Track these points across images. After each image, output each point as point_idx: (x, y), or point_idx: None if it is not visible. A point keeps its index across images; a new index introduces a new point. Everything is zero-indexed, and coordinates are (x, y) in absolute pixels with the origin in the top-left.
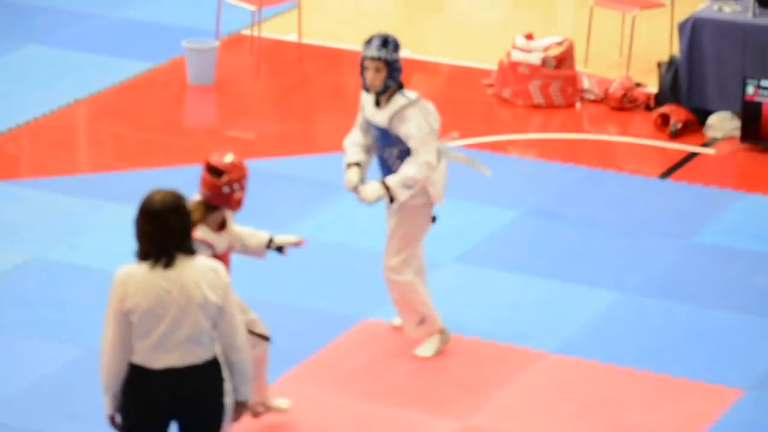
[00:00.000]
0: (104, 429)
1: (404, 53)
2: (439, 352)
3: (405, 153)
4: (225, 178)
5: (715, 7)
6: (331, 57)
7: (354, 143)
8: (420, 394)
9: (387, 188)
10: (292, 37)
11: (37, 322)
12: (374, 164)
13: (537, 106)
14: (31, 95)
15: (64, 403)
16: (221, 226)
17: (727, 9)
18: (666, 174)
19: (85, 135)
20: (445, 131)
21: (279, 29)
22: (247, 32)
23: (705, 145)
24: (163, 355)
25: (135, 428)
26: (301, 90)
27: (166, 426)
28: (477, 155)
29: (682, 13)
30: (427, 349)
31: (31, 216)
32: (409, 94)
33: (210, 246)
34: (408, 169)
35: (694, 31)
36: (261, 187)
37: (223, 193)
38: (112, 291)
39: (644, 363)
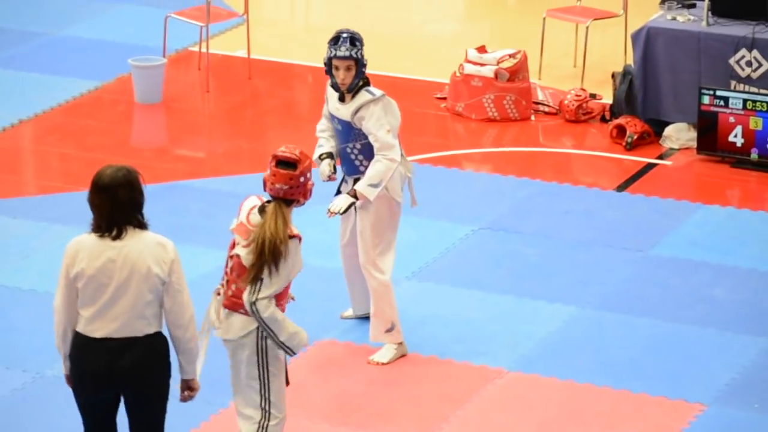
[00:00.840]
0: None
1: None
2: (393, 362)
3: (367, 147)
4: (300, 168)
5: (669, 16)
6: (281, 72)
7: (324, 129)
8: (377, 414)
9: (355, 195)
10: (240, 53)
11: None
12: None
13: (491, 120)
14: None
15: (11, 430)
16: None
17: (681, 18)
18: (622, 186)
19: (30, 156)
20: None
21: (227, 45)
22: (194, 49)
23: (661, 156)
24: (104, 324)
25: (78, 394)
26: (251, 106)
27: (108, 398)
28: (431, 170)
29: (636, 23)
30: (384, 356)
31: None
32: (375, 90)
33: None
34: (372, 169)
35: (648, 41)
36: (211, 207)
37: (300, 183)
38: (64, 258)
39: (604, 379)
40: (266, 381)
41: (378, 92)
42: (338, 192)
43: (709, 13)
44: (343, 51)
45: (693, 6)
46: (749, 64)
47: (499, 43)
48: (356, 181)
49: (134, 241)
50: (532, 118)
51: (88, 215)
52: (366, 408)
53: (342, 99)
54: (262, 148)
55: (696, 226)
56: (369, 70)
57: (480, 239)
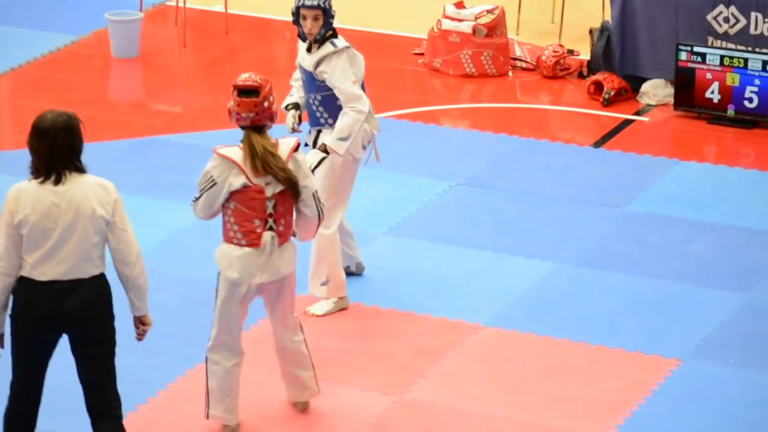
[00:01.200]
0: None
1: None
2: (330, 314)
3: (327, 99)
4: (262, 94)
5: None
6: (259, 27)
7: (297, 79)
8: (354, 368)
9: (325, 150)
10: (218, 8)
11: None
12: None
13: (469, 76)
14: None
15: None
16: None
17: None
18: (600, 143)
19: (7, 110)
20: (376, 100)
21: (204, 0)
22: (172, 3)
23: (638, 112)
24: (51, 267)
25: (22, 339)
26: (229, 62)
27: (52, 339)
28: (409, 126)
29: None
30: (319, 308)
31: None
32: (338, 42)
33: (243, 171)
34: (340, 122)
35: None
36: (189, 162)
37: (264, 108)
38: (4, 205)
39: (581, 334)
40: None
41: (341, 44)
42: (305, 144)
43: None
44: (310, 1)
45: None
46: (726, 20)
47: None
48: (318, 132)
49: (76, 185)
50: (510, 74)
51: None
52: (342, 362)
53: (309, 49)
54: None
55: (673, 182)
56: (347, 26)
57: (458, 195)
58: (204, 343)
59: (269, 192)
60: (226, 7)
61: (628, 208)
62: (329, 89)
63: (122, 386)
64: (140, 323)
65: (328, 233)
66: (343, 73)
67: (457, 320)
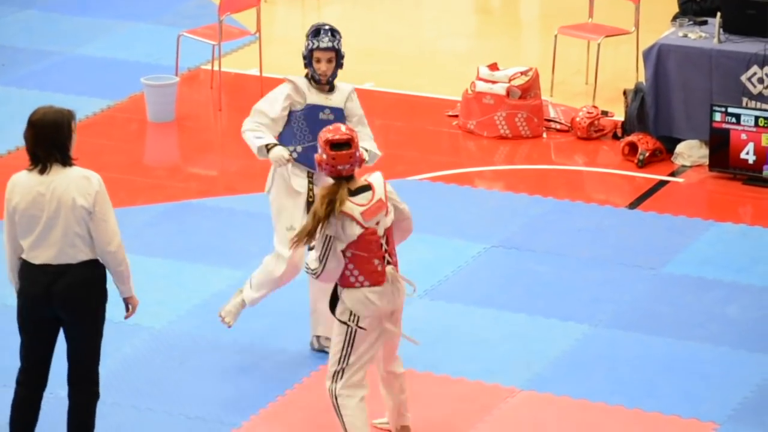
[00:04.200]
0: None
1: (367, 85)
2: (231, 314)
3: None
4: (354, 145)
5: (681, 33)
6: None
7: (265, 124)
8: None
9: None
10: (253, 71)
11: None
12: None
13: (503, 137)
14: None
15: None
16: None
17: (693, 35)
18: (635, 204)
19: None
20: (411, 163)
21: (240, 63)
22: (207, 67)
23: (673, 173)
24: (42, 251)
25: (23, 317)
26: None
27: (46, 319)
28: (443, 188)
29: (648, 40)
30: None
31: None
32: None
33: (356, 221)
34: (369, 143)
35: (659, 58)
36: (225, 226)
37: (357, 157)
38: (5, 194)
39: (617, 397)
40: None
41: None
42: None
43: (721, 30)
44: (326, 42)
45: (704, 23)
46: (761, 80)
47: (511, 61)
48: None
49: (61, 176)
50: (544, 135)
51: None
52: (378, 427)
53: (320, 90)
54: None
55: (708, 244)
56: (381, 88)
57: (492, 257)
58: (242, 408)
59: (381, 231)
60: (261, 71)
61: (663, 269)
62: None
63: None
64: (128, 304)
65: (284, 253)
66: (359, 106)
67: (493, 383)
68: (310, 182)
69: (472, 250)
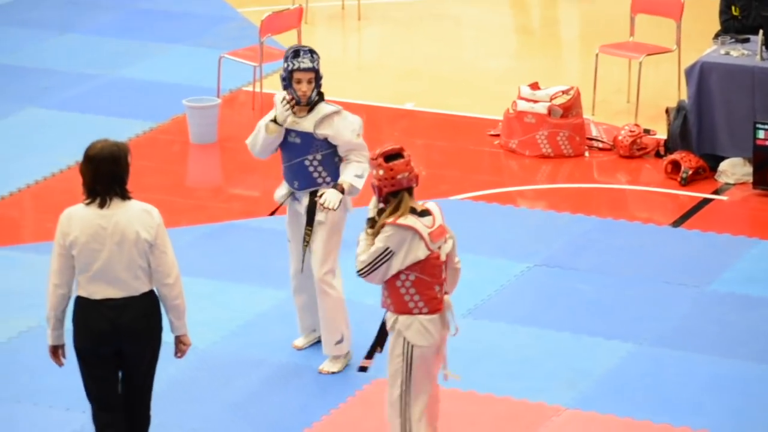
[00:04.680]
0: None
1: (408, 105)
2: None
3: (328, 158)
4: (406, 154)
5: (723, 51)
6: None
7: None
8: None
9: (342, 190)
10: None
11: (43, 389)
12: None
13: (545, 156)
14: (31, 159)
15: None
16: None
17: (735, 53)
18: (678, 222)
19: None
20: (453, 182)
21: (280, 85)
22: (248, 89)
23: (717, 191)
24: (102, 287)
25: (86, 356)
26: None
27: (110, 355)
28: (485, 208)
29: (689, 58)
30: (334, 365)
31: (35, 281)
32: (332, 105)
33: (424, 240)
34: (353, 165)
35: (701, 75)
36: (268, 247)
37: (412, 170)
38: (58, 227)
39: (662, 416)
40: None
41: (336, 106)
42: (310, 213)
43: (764, 47)
44: (306, 63)
45: (747, 40)
46: None
47: (552, 80)
48: (313, 194)
49: (122, 210)
50: (586, 154)
51: None
52: None
53: (294, 113)
54: None
55: (753, 262)
56: (422, 108)
57: (535, 276)
58: (287, 428)
59: (443, 256)
60: None
61: (708, 288)
62: (330, 147)
63: None
64: (180, 342)
65: (335, 294)
66: (348, 128)
67: (538, 402)
68: (291, 192)
69: (515, 269)
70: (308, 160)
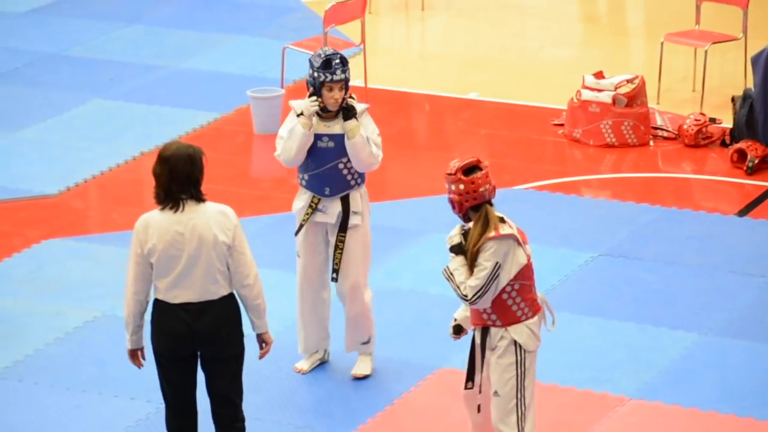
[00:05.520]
0: None
1: (472, 95)
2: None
3: None
4: (484, 166)
5: None
6: (398, 101)
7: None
8: None
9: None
10: (357, 83)
11: (108, 379)
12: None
13: (609, 146)
14: (96, 149)
15: None
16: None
17: None
18: (744, 211)
19: (151, 188)
20: (516, 172)
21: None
22: None
23: None
24: (181, 291)
25: (163, 358)
26: None
27: (190, 359)
28: (549, 197)
29: (756, 46)
30: (366, 367)
31: (100, 272)
32: (358, 102)
33: (522, 246)
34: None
35: None
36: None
37: (491, 182)
38: (134, 236)
39: (728, 406)
40: None
41: (361, 104)
42: (344, 218)
43: None
44: (339, 75)
45: None
46: None
47: (617, 69)
48: (344, 199)
49: (198, 213)
50: (651, 143)
51: None
52: None
53: (322, 118)
54: (381, 177)
55: None
56: (486, 98)
57: (599, 266)
58: (349, 418)
59: (533, 259)
60: (366, 82)
61: None
62: None
63: None
64: (262, 341)
65: (367, 298)
66: (371, 126)
67: (602, 392)
68: (310, 206)
69: (579, 258)
70: (342, 163)
